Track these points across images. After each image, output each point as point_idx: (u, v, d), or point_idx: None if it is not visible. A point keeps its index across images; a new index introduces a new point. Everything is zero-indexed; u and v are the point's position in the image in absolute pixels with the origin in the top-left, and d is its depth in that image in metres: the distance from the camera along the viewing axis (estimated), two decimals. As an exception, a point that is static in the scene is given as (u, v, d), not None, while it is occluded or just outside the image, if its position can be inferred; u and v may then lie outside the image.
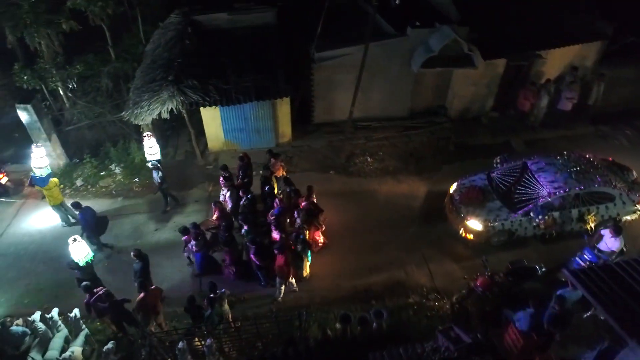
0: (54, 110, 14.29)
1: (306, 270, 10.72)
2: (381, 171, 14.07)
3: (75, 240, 9.03)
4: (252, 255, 10.00)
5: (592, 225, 11.08)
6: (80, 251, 9.08)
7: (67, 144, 14.67)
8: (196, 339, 9.21)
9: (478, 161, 13.73)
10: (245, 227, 10.55)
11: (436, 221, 12.24)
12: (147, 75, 13.05)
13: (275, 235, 10.24)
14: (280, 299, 10.42)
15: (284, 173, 12.38)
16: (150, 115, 12.22)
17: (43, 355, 8.68)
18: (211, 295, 8.92)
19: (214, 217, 11.09)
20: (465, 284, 10.27)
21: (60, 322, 9.14)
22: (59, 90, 13.88)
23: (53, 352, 8.70)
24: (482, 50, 13.70)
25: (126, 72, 14.92)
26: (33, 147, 11.44)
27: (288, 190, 11.26)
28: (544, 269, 10.09)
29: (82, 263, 9.15)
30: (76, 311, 9.17)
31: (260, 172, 12.17)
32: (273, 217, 10.54)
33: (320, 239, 11.41)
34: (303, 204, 10.93)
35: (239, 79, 12.92)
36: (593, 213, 11.02)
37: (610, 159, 12.08)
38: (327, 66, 13.83)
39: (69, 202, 12.82)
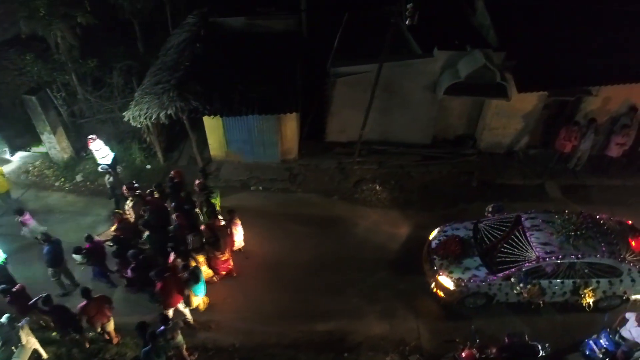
0: (68, 103, 14.24)
1: (193, 305, 9.77)
2: (390, 202, 12.80)
3: None
4: (128, 270, 9.29)
5: (590, 301, 9.39)
6: None
7: (80, 138, 14.65)
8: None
9: (503, 203, 11.93)
10: (147, 233, 9.91)
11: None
12: (155, 76, 12.66)
13: (172, 256, 9.45)
14: (191, 321, 9.72)
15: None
16: (148, 118, 11.77)
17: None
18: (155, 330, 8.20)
19: (112, 228, 10.44)
20: (453, 350, 8.96)
21: (9, 329, 8.77)
22: (72, 84, 13.80)
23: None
24: (519, 80, 12.06)
25: (147, 70, 14.70)
26: None
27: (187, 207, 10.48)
28: (548, 349, 8.52)
29: None
30: (24, 321, 8.74)
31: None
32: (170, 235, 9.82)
33: (227, 265, 10.57)
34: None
35: (247, 89, 12.17)
36: (592, 287, 9.30)
37: (630, 222, 10.16)
38: (344, 82, 12.74)
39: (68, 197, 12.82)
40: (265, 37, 13.48)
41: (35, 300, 8.49)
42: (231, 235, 10.53)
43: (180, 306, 9.35)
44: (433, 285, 10.06)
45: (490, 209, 10.67)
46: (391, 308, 10.27)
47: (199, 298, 9.72)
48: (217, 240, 9.98)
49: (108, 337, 9.40)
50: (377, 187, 13.04)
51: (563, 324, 9.88)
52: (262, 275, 10.91)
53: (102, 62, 13.81)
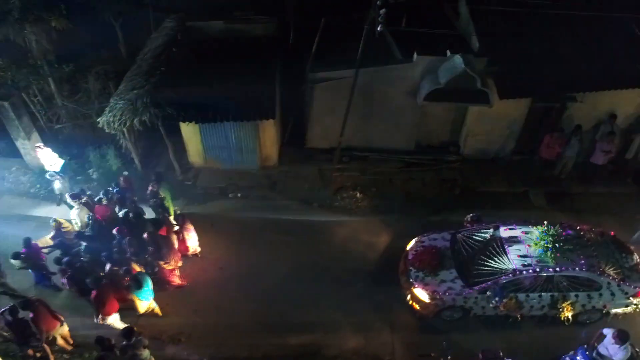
0: (44, 108, 13.96)
1: (140, 310, 9.45)
2: (370, 210, 12.55)
3: None
4: (64, 279, 9.10)
5: (569, 315, 9.14)
6: None
7: (58, 143, 14.35)
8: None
9: (486, 212, 11.64)
10: (84, 244, 9.71)
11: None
12: (131, 81, 12.39)
13: (107, 266, 9.24)
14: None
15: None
16: (122, 125, 11.51)
17: None
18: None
19: (49, 236, 10.19)
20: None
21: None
22: (48, 89, 13.51)
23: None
24: (502, 86, 11.80)
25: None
26: None
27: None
28: (523, 366, 8.28)
29: None
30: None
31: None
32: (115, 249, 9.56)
33: (175, 278, 10.29)
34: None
35: (223, 94, 11.90)
36: (570, 301, 9.05)
37: (613, 233, 9.90)
38: (323, 88, 12.49)
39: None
40: (243, 41, 13.21)
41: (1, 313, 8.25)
42: (183, 241, 10.27)
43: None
44: (409, 297, 9.80)
45: (468, 219, 10.39)
46: (367, 321, 10.00)
47: (146, 303, 9.40)
48: (158, 249, 9.68)
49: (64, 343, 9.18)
50: (358, 195, 12.78)
51: (542, 339, 9.60)
52: (236, 285, 10.63)
53: (79, 66, 13.49)
